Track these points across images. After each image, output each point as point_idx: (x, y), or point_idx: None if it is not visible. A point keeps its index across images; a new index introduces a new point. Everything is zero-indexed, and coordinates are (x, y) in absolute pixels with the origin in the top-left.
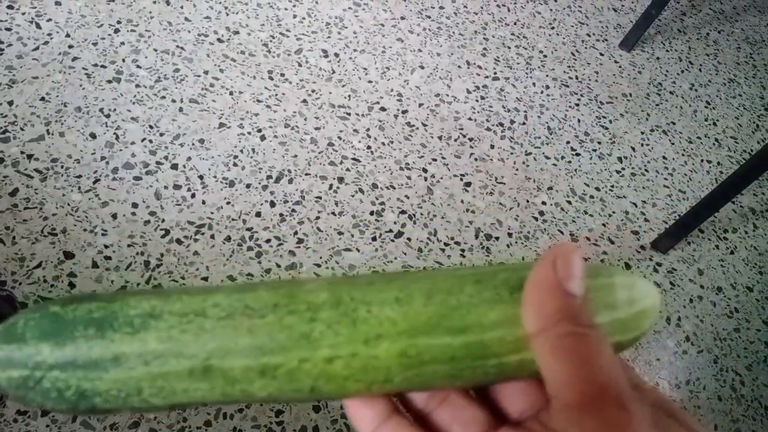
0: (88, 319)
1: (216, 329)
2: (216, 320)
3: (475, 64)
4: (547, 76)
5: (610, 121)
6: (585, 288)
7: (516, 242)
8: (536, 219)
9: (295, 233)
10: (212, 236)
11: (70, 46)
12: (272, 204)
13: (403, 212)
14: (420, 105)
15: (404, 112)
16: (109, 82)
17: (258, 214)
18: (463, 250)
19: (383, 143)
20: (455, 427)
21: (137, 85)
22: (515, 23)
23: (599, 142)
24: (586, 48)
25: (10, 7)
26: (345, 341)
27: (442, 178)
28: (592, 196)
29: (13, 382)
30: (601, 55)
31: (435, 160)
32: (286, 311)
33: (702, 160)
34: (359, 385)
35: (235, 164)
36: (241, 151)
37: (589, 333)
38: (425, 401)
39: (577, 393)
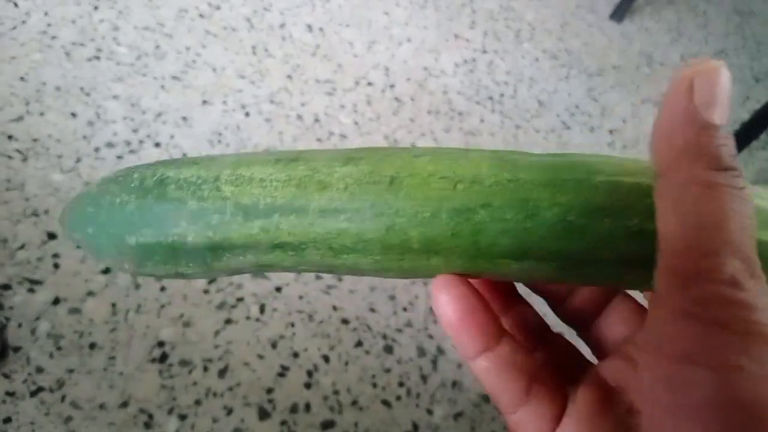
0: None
1: None
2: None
3: (463, 37)
4: (536, 48)
5: (600, 93)
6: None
7: None
8: None
9: None
10: None
11: (49, 25)
12: None
13: None
14: (408, 79)
15: (391, 86)
16: (89, 60)
17: None
18: None
19: (370, 118)
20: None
21: (117, 63)
22: None
23: (590, 115)
24: (575, 20)
25: None
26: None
27: None
28: None
29: None
30: (591, 26)
31: (424, 135)
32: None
33: None
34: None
35: (219, 141)
36: (225, 127)
37: (726, 183)
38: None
39: (687, 258)
